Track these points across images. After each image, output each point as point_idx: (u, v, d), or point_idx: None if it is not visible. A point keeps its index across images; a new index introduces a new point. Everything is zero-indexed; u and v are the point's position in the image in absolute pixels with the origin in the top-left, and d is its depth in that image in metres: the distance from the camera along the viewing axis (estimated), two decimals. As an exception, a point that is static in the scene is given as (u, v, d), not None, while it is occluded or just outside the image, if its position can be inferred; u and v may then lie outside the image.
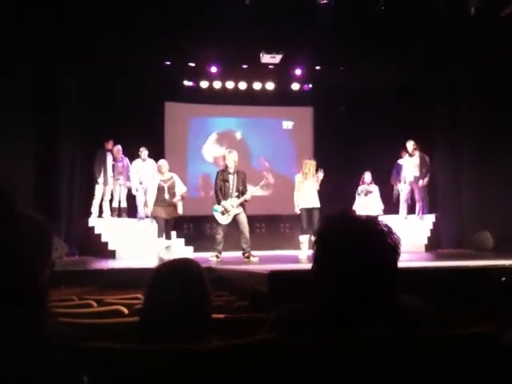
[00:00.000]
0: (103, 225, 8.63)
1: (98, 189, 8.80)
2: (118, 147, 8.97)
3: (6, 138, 6.84)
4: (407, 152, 9.25)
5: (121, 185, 9.04)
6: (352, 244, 1.24)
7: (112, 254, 7.93)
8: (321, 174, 7.97)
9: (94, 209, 8.78)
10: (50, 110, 7.96)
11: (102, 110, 9.00)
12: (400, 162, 9.39)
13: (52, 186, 8.16)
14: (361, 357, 1.15)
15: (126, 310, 2.81)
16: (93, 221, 8.65)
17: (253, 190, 7.58)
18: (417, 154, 9.13)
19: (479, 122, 8.42)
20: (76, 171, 8.72)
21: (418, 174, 9.12)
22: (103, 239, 8.33)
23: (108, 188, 8.89)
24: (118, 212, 9.04)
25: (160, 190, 7.63)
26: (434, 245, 8.82)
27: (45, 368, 1.02)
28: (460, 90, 8.78)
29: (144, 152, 8.99)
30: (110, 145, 8.91)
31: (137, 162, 9.03)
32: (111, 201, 9.00)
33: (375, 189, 9.00)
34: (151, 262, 7.11)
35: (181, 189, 7.69)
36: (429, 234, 9.01)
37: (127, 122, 9.19)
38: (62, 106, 8.24)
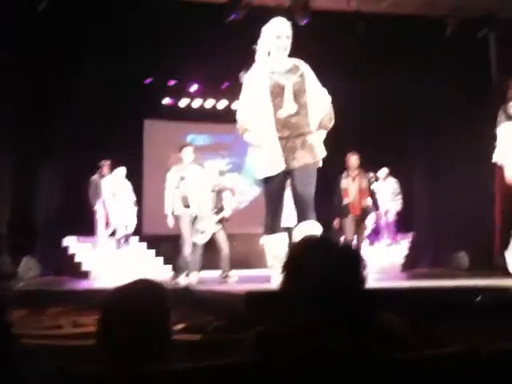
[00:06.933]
0: (77, 245, 8.55)
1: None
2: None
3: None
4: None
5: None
6: (319, 270, 1.24)
7: (86, 275, 7.86)
8: None
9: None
10: (23, 124, 7.86)
11: (83, 127, 8.92)
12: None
13: (29, 204, 8.06)
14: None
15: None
16: (67, 241, 8.55)
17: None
18: (390, 178, 9.29)
19: (458, 140, 8.48)
20: (53, 189, 8.63)
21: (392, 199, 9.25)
22: (77, 259, 8.28)
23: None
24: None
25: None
26: (411, 264, 8.88)
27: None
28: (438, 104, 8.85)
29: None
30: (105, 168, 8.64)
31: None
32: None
33: None
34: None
35: None
36: (405, 253, 9.09)
37: (108, 140, 9.13)
38: (36, 122, 8.15)
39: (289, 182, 4.05)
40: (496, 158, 4.83)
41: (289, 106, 3.72)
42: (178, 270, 6.59)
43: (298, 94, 3.77)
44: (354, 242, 7.00)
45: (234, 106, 10.24)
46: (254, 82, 3.84)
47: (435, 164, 9.15)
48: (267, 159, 3.75)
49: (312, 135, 3.80)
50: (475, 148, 8.02)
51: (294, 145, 3.75)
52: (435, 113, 8.86)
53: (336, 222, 7.27)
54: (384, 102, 9.08)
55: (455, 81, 8.17)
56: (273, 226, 3.94)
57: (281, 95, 3.73)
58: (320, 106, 3.86)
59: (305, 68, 3.88)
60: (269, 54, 3.81)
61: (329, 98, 3.92)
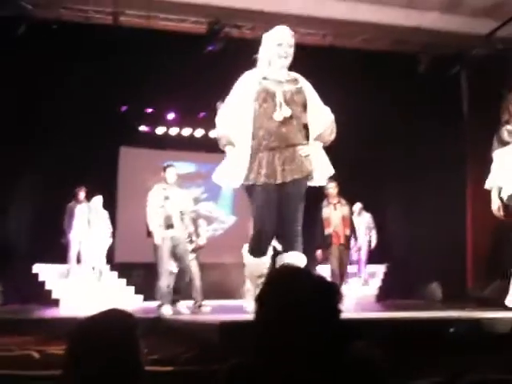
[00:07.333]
0: (47, 273, 8.38)
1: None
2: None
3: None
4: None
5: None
6: (294, 301, 1.23)
7: (56, 303, 7.67)
8: None
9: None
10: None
11: (58, 153, 8.82)
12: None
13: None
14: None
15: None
16: (37, 268, 8.37)
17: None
18: (364, 213, 9.32)
19: (430, 173, 8.60)
20: (24, 214, 8.48)
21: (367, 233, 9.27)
22: (47, 287, 8.08)
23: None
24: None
25: None
26: (385, 295, 8.91)
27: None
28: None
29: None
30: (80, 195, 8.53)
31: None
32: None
33: None
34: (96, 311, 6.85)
35: None
36: (379, 284, 9.12)
37: (84, 167, 9.03)
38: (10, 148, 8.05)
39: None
40: (488, 184, 4.73)
41: (283, 109, 3.37)
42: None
43: (291, 103, 3.42)
44: (338, 273, 6.93)
45: (211, 135, 10.30)
46: (240, 87, 3.52)
47: (408, 196, 9.28)
48: (237, 166, 3.43)
49: (304, 147, 3.44)
50: (448, 181, 8.20)
51: (283, 157, 3.38)
52: (408, 146, 9.03)
53: (318, 253, 7.11)
54: (359, 136, 9.21)
55: (428, 116, 8.36)
56: (257, 249, 3.49)
57: (269, 101, 3.40)
58: (319, 120, 3.53)
59: (304, 83, 3.58)
60: (269, 64, 3.50)
61: (332, 116, 3.63)
